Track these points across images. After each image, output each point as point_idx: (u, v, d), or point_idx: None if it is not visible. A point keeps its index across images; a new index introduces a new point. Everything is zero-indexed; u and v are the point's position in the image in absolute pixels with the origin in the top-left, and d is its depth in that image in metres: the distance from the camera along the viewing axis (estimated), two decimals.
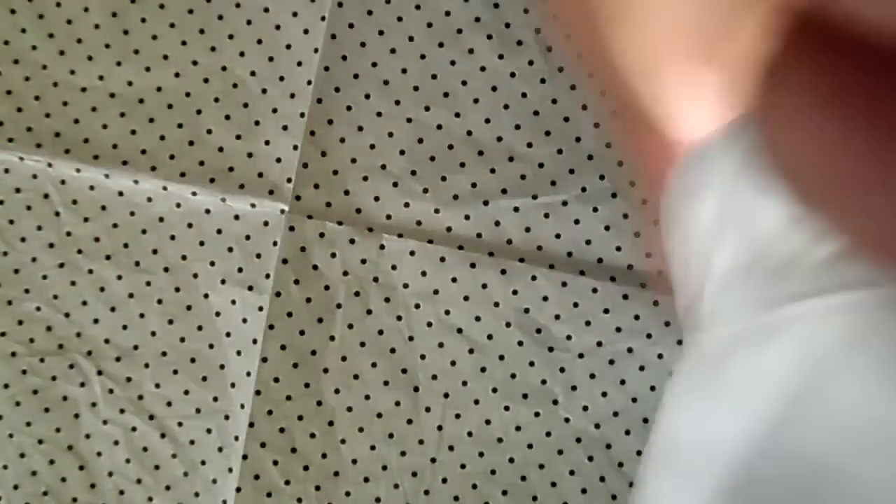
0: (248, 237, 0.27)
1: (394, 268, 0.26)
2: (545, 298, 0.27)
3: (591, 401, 0.26)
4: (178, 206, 0.27)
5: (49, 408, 0.27)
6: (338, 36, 0.26)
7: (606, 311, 0.27)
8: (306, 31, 0.26)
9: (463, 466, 0.27)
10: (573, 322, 0.27)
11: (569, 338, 0.27)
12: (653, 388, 0.27)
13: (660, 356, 0.27)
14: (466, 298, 0.27)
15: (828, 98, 0.19)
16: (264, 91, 0.27)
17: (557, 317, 0.27)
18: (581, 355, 0.27)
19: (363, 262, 0.27)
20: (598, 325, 0.27)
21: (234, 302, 0.26)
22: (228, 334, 0.27)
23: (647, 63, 0.24)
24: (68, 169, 0.27)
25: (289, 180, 0.26)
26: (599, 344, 0.27)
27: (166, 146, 0.26)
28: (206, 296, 0.27)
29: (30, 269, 0.27)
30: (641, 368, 0.27)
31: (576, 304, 0.27)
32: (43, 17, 0.26)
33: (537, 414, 0.27)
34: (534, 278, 0.27)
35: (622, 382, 0.27)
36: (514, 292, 0.27)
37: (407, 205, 0.26)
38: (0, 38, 0.26)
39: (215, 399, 0.27)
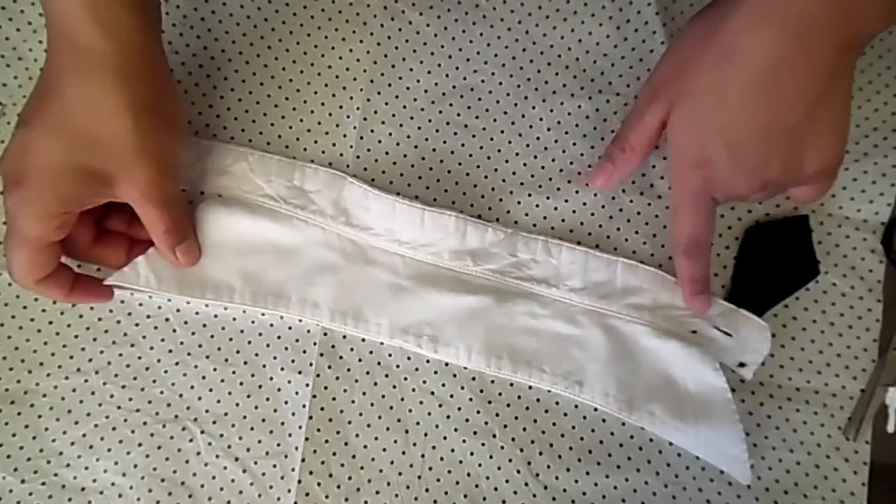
0: (297, 340, 0.39)
1: (390, 355, 0.39)
2: None
3: (516, 433, 0.39)
4: (253, 322, 0.38)
5: (168, 457, 0.37)
6: None
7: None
8: None
9: (438, 480, 0.38)
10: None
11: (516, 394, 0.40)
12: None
13: None
14: (436, 372, 0.39)
15: None
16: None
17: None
18: (509, 404, 0.40)
19: (371, 352, 0.39)
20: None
21: (289, 381, 0.38)
22: (286, 402, 0.38)
23: None
24: (181, 303, 0.38)
25: None
26: (530, 388, 0.40)
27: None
28: (271, 378, 0.38)
29: (156, 366, 0.38)
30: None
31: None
32: None
33: (483, 444, 0.38)
34: None
35: (554, 424, 0.40)
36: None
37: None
38: None
39: (278, 444, 0.37)
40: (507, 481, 0.38)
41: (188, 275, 0.38)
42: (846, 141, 0.34)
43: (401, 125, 0.41)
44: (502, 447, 0.39)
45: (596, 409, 0.39)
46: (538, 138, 0.42)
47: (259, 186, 0.39)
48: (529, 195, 0.41)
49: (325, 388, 0.39)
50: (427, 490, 0.38)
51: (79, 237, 0.36)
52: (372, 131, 0.41)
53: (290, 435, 0.38)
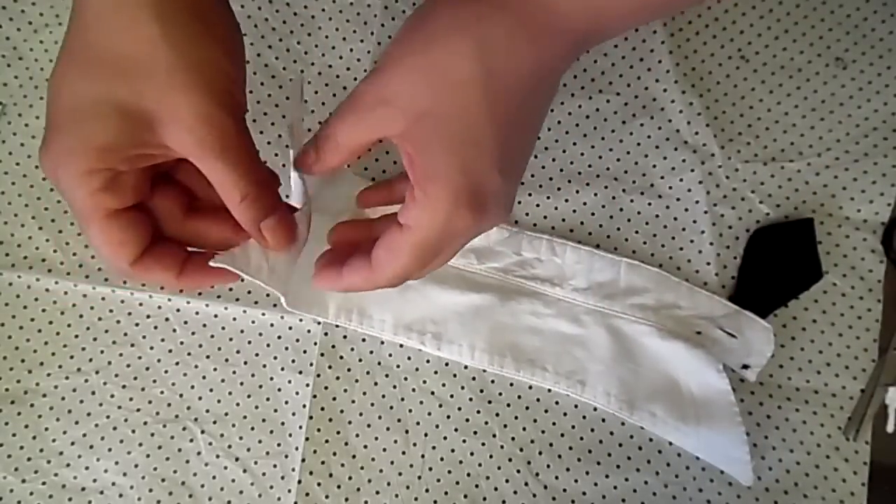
0: (297, 340, 0.39)
1: (390, 355, 0.39)
2: None
3: (516, 432, 0.40)
4: (253, 322, 0.39)
5: (169, 457, 0.37)
6: None
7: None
8: None
9: (438, 480, 0.38)
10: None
11: (509, 402, 0.40)
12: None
13: None
14: (436, 372, 0.39)
15: None
16: None
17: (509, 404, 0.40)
18: (509, 404, 0.40)
19: (371, 352, 0.39)
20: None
21: (290, 381, 0.38)
22: (287, 402, 0.38)
23: None
24: (181, 302, 0.39)
25: None
26: (534, 392, 0.40)
27: (245, 284, 0.39)
28: (271, 378, 0.38)
29: (156, 366, 0.38)
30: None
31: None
32: None
33: (483, 444, 0.38)
34: None
35: (553, 423, 0.40)
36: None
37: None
38: None
39: (279, 444, 0.37)
40: (507, 481, 0.38)
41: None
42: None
43: None
44: (502, 447, 0.39)
45: (595, 409, 0.39)
46: (538, 138, 0.42)
47: None
48: (530, 195, 0.41)
49: (326, 388, 0.39)
50: (427, 490, 0.38)
51: (161, 206, 0.28)
52: None
53: (290, 435, 0.38)
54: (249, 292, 0.39)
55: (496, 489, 0.38)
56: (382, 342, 0.39)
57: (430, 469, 0.38)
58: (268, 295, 0.39)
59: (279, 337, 0.39)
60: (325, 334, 0.39)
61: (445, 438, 0.39)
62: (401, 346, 0.39)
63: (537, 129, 0.29)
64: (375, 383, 0.39)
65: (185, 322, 0.39)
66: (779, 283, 0.40)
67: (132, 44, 0.24)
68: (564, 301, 0.39)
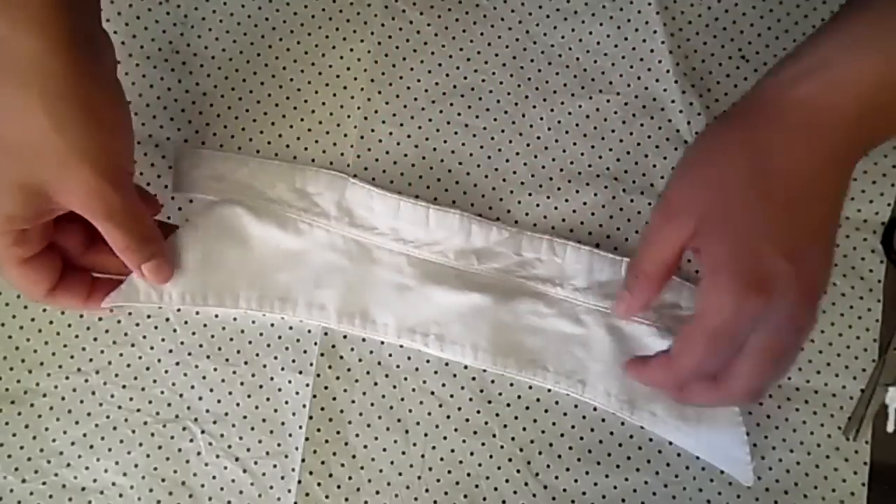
0: (297, 340, 0.39)
1: (390, 355, 0.39)
2: None
3: (516, 432, 0.39)
4: (253, 322, 0.38)
5: (169, 457, 0.37)
6: None
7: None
8: None
9: (438, 480, 0.38)
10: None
11: (508, 405, 0.40)
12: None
13: None
14: (436, 372, 0.39)
15: None
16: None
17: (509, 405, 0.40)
18: (509, 404, 0.40)
19: (371, 352, 0.39)
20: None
21: (290, 381, 0.38)
22: (287, 402, 0.38)
23: None
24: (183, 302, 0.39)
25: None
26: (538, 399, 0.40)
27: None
28: (271, 378, 0.38)
29: (156, 366, 0.38)
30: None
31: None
32: None
33: (483, 444, 0.38)
34: None
35: (553, 424, 0.40)
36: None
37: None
38: None
39: (278, 444, 0.37)
40: (507, 481, 0.38)
41: (191, 284, 0.37)
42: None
43: (401, 124, 0.41)
44: (502, 447, 0.39)
45: (595, 409, 0.39)
46: (538, 138, 0.42)
47: (261, 192, 0.39)
48: (530, 194, 0.41)
49: (326, 388, 0.39)
50: (427, 490, 0.38)
51: (66, 243, 0.34)
52: (372, 130, 0.41)
53: (290, 435, 0.38)
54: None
55: (496, 489, 0.38)
56: (382, 342, 0.39)
57: (430, 469, 0.38)
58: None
59: (279, 337, 0.39)
60: (325, 334, 0.39)
61: (445, 438, 0.39)
62: (401, 346, 0.39)
63: (827, 215, 0.31)
64: (375, 383, 0.39)
65: (186, 322, 0.39)
66: None
67: (27, 133, 0.29)
68: (565, 301, 0.39)
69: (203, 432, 0.38)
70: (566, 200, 0.41)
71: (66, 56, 0.29)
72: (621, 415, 0.39)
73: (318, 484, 0.38)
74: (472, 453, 0.38)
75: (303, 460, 0.38)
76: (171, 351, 0.39)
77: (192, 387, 0.38)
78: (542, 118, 0.42)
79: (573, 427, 0.39)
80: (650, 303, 0.35)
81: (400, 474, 0.38)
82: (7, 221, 0.31)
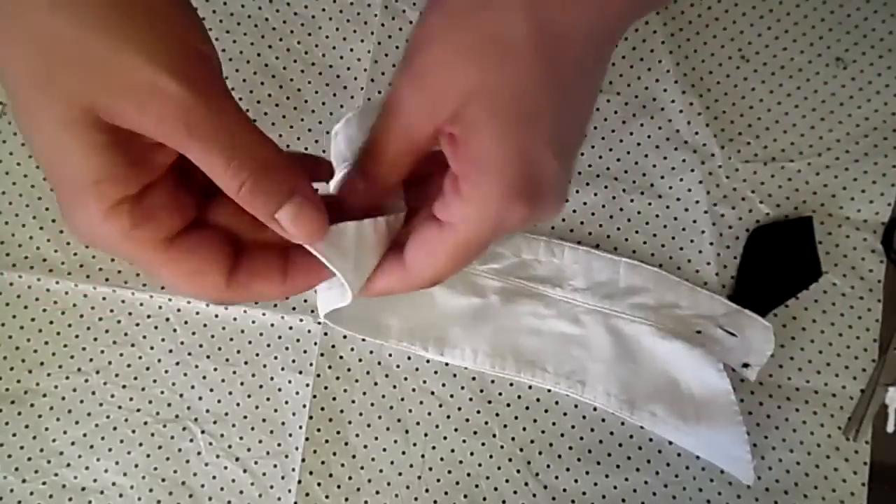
0: (298, 340, 0.39)
1: (390, 355, 0.39)
2: None
3: (516, 432, 0.40)
4: (254, 322, 0.39)
5: (169, 457, 0.37)
6: None
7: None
8: None
9: (438, 480, 0.38)
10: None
11: (508, 405, 0.40)
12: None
13: None
14: (436, 372, 0.39)
15: None
16: None
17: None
18: (509, 404, 0.40)
19: (371, 352, 0.39)
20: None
21: (290, 381, 0.38)
22: (287, 402, 0.38)
23: None
24: (182, 302, 0.39)
25: None
26: (534, 391, 0.40)
27: None
28: (272, 378, 0.38)
29: (156, 366, 0.38)
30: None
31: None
32: None
33: (483, 444, 0.39)
34: None
35: (554, 424, 0.40)
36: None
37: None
38: None
39: (279, 444, 0.38)
40: (506, 481, 0.38)
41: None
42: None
43: None
44: (502, 447, 0.39)
45: (595, 409, 0.39)
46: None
47: None
48: None
49: (326, 388, 0.39)
50: (427, 490, 0.38)
51: (227, 217, 0.24)
52: None
53: (290, 435, 0.38)
54: None
55: (496, 489, 0.38)
56: (382, 343, 0.39)
57: (430, 469, 0.38)
58: None
59: (279, 337, 0.39)
60: (325, 334, 0.39)
61: (445, 438, 0.39)
62: (407, 350, 0.39)
63: (592, 105, 0.25)
64: (375, 383, 0.39)
65: (186, 322, 0.39)
66: (778, 282, 0.40)
67: (54, 40, 0.20)
68: (564, 301, 0.39)
69: (203, 432, 0.38)
70: (566, 200, 0.41)
71: None
72: (621, 415, 0.39)
73: (318, 484, 0.38)
74: (472, 453, 0.38)
75: (303, 460, 0.38)
76: (171, 351, 0.39)
77: (192, 387, 0.38)
78: None
79: (573, 427, 0.39)
80: (383, 195, 0.26)
81: (400, 474, 0.38)
82: (97, 192, 0.20)
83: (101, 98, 0.20)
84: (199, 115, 0.20)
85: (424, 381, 0.39)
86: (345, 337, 0.39)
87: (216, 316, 0.39)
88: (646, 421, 0.38)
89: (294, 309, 0.39)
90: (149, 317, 0.39)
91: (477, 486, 0.38)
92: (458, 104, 0.22)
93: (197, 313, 0.39)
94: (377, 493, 0.38)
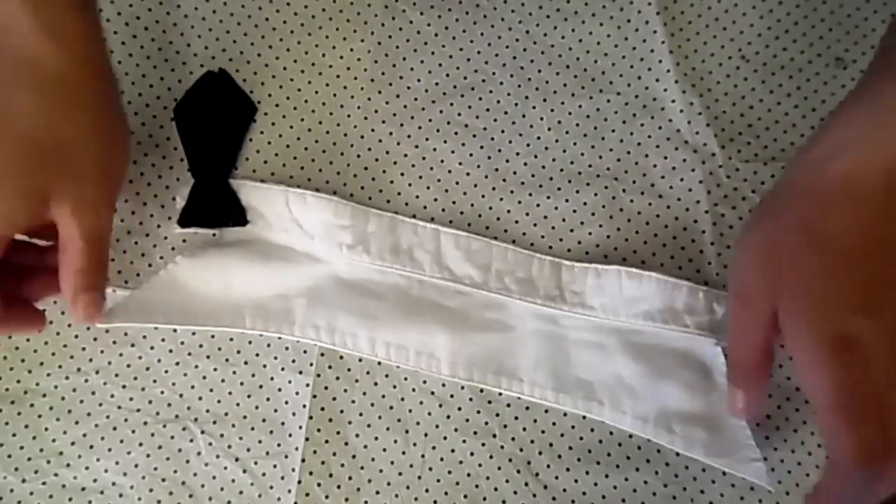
0: (297, 340, 0.38)
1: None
2: None
3: (516, 432, 0.39)
4: None
5: (169, 457, 0.37)
6: None
7: None
8: None
9: (438, 481, 0.38)
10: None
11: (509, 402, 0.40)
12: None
13: None
14: (441, 381, 0.40)
15: None
16: None
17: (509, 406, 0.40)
18: (509, 404, 0.40)
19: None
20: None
21: (290, 381, 0.38)
22: (287, 402, 0.38)
23: None
24: None
25: None
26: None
27: None
28: (272, 378, 0.38)
29: (156, 366, 0.38)
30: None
31: None
32: None
33: (483, 444, 0.38)
34: None
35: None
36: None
37: None
38: None
39: (278, 445, 0.37)
40: (507, 481, 0.38)
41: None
42: None
43: (401, 124, 0.41)
44: (502, 447, 0.39)
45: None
46: (538, 138, 0.42)
47: (261, 214, 0.39)
48: (530, 195, 0.41)
49: (326, 388, 0.39)
50: (427, 490, 0.38)
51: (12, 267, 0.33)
52: (372, 130, 0.41)
53: (290, 435, 0.38)
54: None
55: (496, 489, 0.38)
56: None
57: (430, 469, 0.38)
58: None
59: (279, 337, 0.39)
60: None
61: (445, 438, 0.39)
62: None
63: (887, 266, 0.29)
64: (375, 383, 0.39)
65: None
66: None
67: (57, 137, 0.31)
68: (571, 317, 0.39)
69: (203, 432, 0.38)
70: (566, 200, 0.41)
71: (100, 80, 0.32)
72: (633, 431, 0.38)
73: (318, 484, 0.38)
74: (472, 453, 0.38)
75: (303, 460, 0.38)
76: (171, 351, 0.38)
77: (192, 387, 0.38)
78: (542, 118, 0.42)
79: (573, 427, 0.39)
80: (762, 395, 0.35)
81: (400, 474, 0.38)
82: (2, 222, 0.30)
83: (59, 189, 0.31)
84: (104, 231, 0.34)
85: (424, 382, 0.39)
86: (346, 344, 0.39)
87: None
88: (663, 438, 0.38)
89: None
90: None
91: (477, 486, 0.38)
92: (772, 304, 0.31)
93: None
94: (377, 493, 0.38)
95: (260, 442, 0.38)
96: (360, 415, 0.39)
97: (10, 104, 0.30)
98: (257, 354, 0.39)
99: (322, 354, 0.39)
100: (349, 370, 0.39)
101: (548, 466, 0.39)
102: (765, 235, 0.32)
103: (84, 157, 0.31)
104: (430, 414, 0.39)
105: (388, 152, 0.41)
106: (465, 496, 0.38)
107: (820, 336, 0.28)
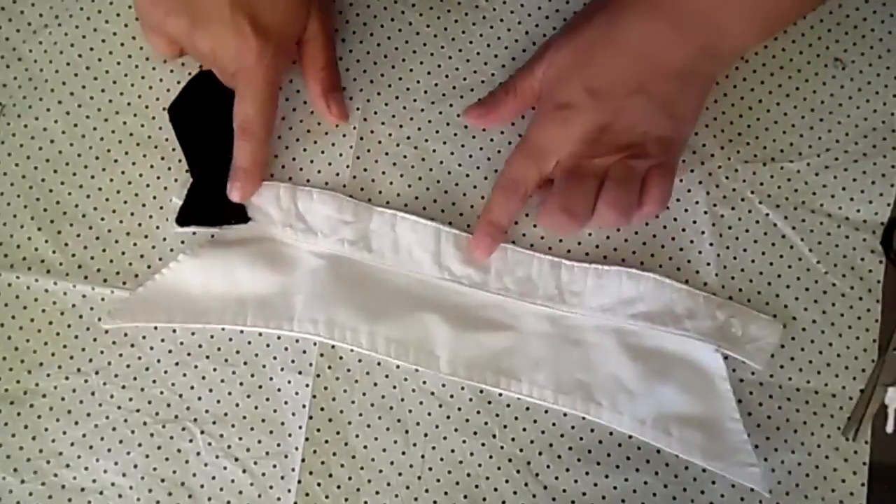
0: (297, 340, 0.38)
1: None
2: None
3: (516, 433, 0.39)
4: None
5: (168, 457, 0.37)
6: None
7: None
8: None
9: (438, 480, 0.38)
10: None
11: (508, 403, 0.40)
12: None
13: None
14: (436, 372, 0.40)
15: None
16: None
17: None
18: (509, 404, 0.40)
19: (371, 352, 0.39)
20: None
21: (289, 382, 0.38)
22: (286, 402, 0.38)
23: None
24: None
25: None
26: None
27: None
28: (271, 378, 0.38)
29: (156, 367, 0.38)
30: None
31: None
32: None
33: (483, 444, 0.38)
34: None
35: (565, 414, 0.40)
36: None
37: None
38: None
39: (278, 445, 0.37)
40: (506, 481, 0.38)
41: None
42: (685, 136, 0.38)
43: (401, 126, 0.41)
44: (502, 447, 0.39)
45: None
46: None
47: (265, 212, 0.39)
48: (530, 195, 0.41)
49: (325, 388, 0.39)
50: (427, 490, 0.38)
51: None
52: (372, 132, 0.41)
53: (290, 435, 0.38)
54: None
55: (496, 489, 0.38)
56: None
57: (430, 469, 0.38)
58: None
59: (279, 337, 0.39)
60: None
61: (445, 438, 0.39)
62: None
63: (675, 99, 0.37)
64: (375, 383, 0.39)
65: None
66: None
67: None
68: (570, 317, 0.39)
69: (202, 432, 0.38)
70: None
71: None
72: (636, 434, 0.38)
73: (318, 484, 0.38)
74: (472, 453, 0.38)
75: (303, 460, 0.38)
76: (170, 351, 0.38)
77: (192, 387, 0.38)
78: None
79: (573, 427, 0.39)
80: (502, 122, 0.41)
81: (400, 474, 0.38)
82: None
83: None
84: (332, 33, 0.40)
85: (424, 382, 0.39)
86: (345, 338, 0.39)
87: None
88: (661, 441, 0.38)
89: None
90: None
91: (477, 486, 0.38)
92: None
93: None
94: (377, 493, 0.38)
95: (260, 442, 0.38)
96: (360, 415, 0.39)
97: None
98: (257, 354, 0.39)
99: (322, 355, 0.39)
100: (349, 370, 0.39)
101: (548, 467, 0.39)
102: (581, 17, 0.40)
103: None
104: (430, 414, 0.39)
105: (387, 153, 0.41)
106: (465, 496, 0.38)
107: (554, 96, 0.38)
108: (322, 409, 0.38)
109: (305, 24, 0.37)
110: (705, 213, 0.41)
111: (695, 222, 0.41)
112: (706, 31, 0.35)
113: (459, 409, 0.39)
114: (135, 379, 0.38)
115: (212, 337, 0.39)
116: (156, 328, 0.39)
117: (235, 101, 0.36)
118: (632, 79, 0.36)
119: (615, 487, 0.39)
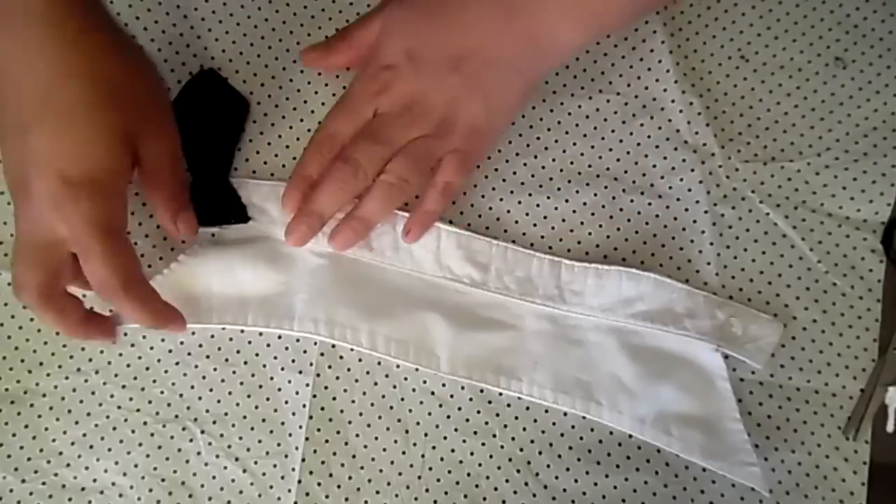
0: (297, 339, 0.39)
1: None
2: None
3: (516, 432, 0.40)
4: None
5: (168, 457, 0.37)
6: None
7: None
8: None
9: (438, 480, 0.38)
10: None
11: (508, 404, 0.40)
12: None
13: None
14: (436, 372, 0.39)
15: None
16: None
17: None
18: (509, 404, 0.40)
19: (371, 352, 0.39)
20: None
21: (290, 381, 0.38)
22: (287, 402, 0.38)
23: None
24: None
25: None
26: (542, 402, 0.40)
27: None
28: (271, 378, 0.38)
29: (156, 366, 0.38)
30: None
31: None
32: None
33: (483, 444, 0.38)
34: None
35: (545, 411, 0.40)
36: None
37: None
38: None
39: (278, 444, 0.37)
40: (506, 481, 0.38)
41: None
42: (497, 130, 0.39)
43: None
44: (502, 447, 0.39)
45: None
46: (538, 138, 0.42)
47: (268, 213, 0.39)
48: (530, 195, 0.41)
49: (326, 387, 0.39)
50: (427, 490, 0.38)
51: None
52: None
53: (290, 435, 0.38)
54: None
55: (496, 489, 0.38)
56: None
57: (430, 469, 0.38)
58: None
59: (279, 337, 0.39)
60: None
61: (445, 438, 0.39)
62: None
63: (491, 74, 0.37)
64: (375, 383, 0.39)
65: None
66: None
67: (133, 81, 0.35)
68: (570, 316, 0.39)
69: (203, 432, 0.38)
70: (566, 200, 0.41)
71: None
72: (635, 433, 0.38)
73: (318, 484, 0.38)
74: (472, 453, 0.38)
75: (303, 460, 0.38)
76: (170, 351, 0.38)
77: (192, 387, 0.38)
78: (541, 118, 0.42)
79: (573, 427, 0.39)
80: (336, 68, 0.41)
81: (400, 474, 0.38)
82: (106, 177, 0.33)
83: (145, 128, 0.35)
84: (176, 163, 0.38)
85: (424, 382, 0.39)
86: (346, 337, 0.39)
87: None
88: (661, 440, 0.38)
89: None
90: None
91: (477, 486, 0.38)
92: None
93: None
94: (377, 493, 0.38)
95: (260, 442, 0.38)
96: (360, 415, 0.39)
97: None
98: (257, 354, 0.39)
99: (322, 354, 0.39)
100: (349, 370, 0.39)
101: (548, 466, 0.39)
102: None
103: (161, 98, 0.37)
104: (430, 414, 0.39)
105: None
106: (465, 496, 0.38)
107: (380, 55, 0.38)
108: (322, 408, 0.38)
109: (121, 164, 0.33)
110: (705, 212, 0.41)
111: (695, 222, 0.41)
112: (533, 23, 0.36)
113: (459, 408, 0.39)
114: (135, 378, 0.38)
115: (212, 336, 0.39)
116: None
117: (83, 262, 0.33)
118: (454, 55, 0.36)
119: (615, 487, 0.39)
